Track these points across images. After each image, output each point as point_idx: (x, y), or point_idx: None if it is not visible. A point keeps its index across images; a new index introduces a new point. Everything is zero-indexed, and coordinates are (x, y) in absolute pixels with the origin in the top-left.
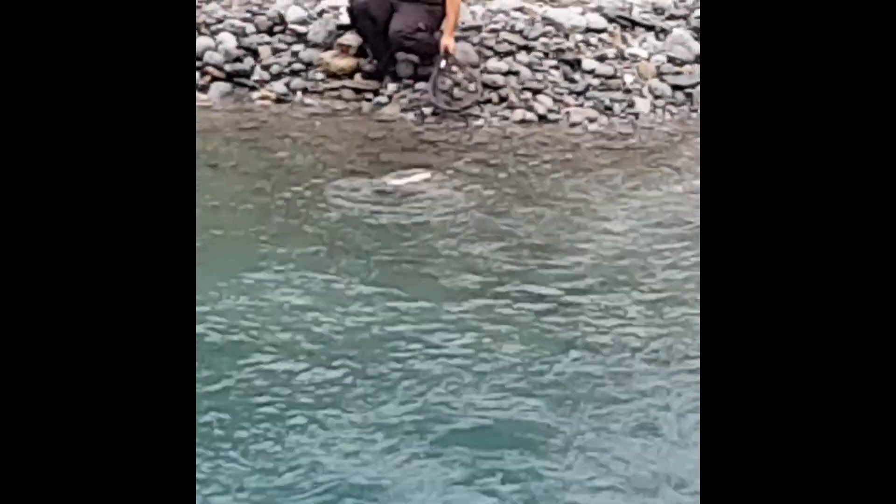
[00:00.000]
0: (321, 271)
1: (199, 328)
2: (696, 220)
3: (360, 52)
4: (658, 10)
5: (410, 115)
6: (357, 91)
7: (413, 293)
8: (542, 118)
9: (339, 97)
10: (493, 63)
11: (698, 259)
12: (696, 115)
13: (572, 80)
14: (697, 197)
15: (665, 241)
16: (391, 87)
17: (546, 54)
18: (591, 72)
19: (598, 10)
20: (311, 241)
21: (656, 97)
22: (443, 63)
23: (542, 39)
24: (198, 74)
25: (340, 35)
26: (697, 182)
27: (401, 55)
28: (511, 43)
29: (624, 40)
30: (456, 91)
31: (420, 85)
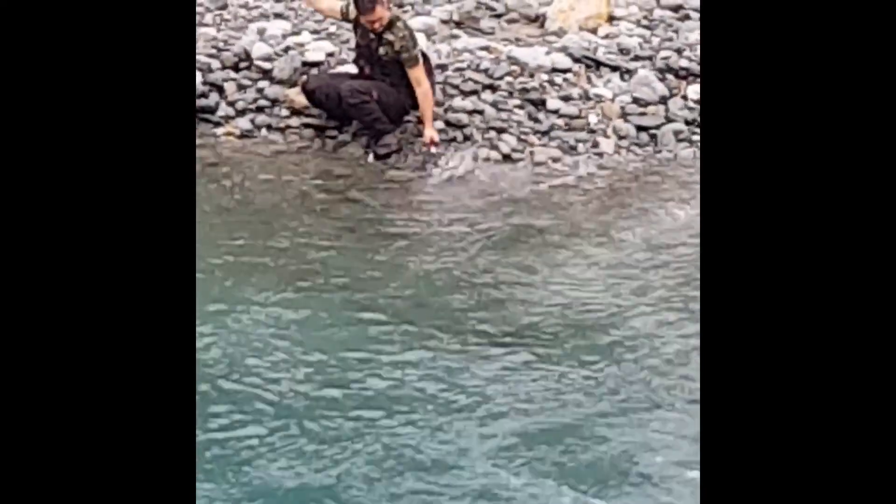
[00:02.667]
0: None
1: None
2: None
3: None
4: (623, 51)
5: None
6: (321, 129)
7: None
8: (507, 157)
9: (302, 135)
10: (457, 102)
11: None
12: (660, 156)
13: (537, 120)
14: (659, 239)
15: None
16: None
17: (511, 93)
18: (556, 111)
19: (564, 49)
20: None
21: (621, 137)
22: (433, 149)
23: (507, 79)
24: None
25: (306, 72)
26: (658, 224)
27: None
28: (476, 82)
29: (589, 80)
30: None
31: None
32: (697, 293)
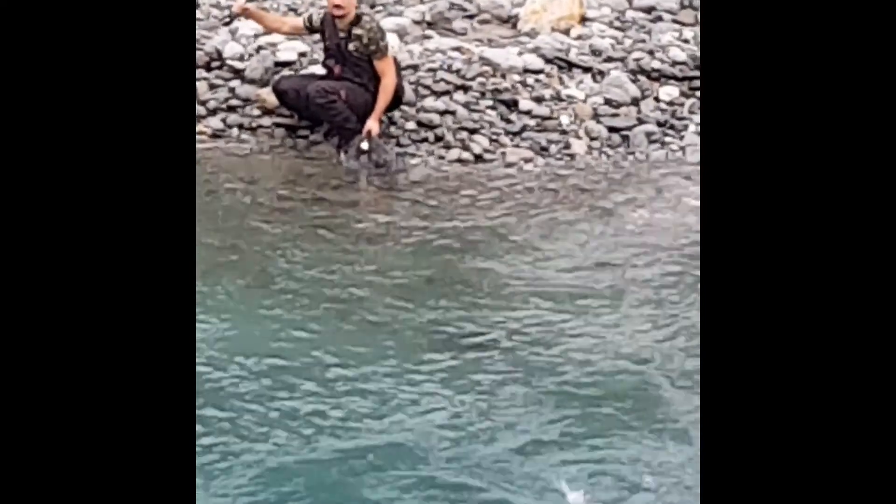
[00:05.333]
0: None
1: None
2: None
3: None
4: (595, 52)
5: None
6: (292, 128)
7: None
8: (479, 158)
9: (274, 134)
10: (429, 102)
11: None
12: (631, 158)
13: (509, 121)
14: (627, 238)
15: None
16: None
17: (483, 94)
18: (528, 112)
19: (536, 50)
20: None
21: (592, 139)
22: (364, 144)
23: (479, 79)
24: None
25: (278, 72)
26: (628, 223)
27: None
28: (448, 82)
29: (561, 81)
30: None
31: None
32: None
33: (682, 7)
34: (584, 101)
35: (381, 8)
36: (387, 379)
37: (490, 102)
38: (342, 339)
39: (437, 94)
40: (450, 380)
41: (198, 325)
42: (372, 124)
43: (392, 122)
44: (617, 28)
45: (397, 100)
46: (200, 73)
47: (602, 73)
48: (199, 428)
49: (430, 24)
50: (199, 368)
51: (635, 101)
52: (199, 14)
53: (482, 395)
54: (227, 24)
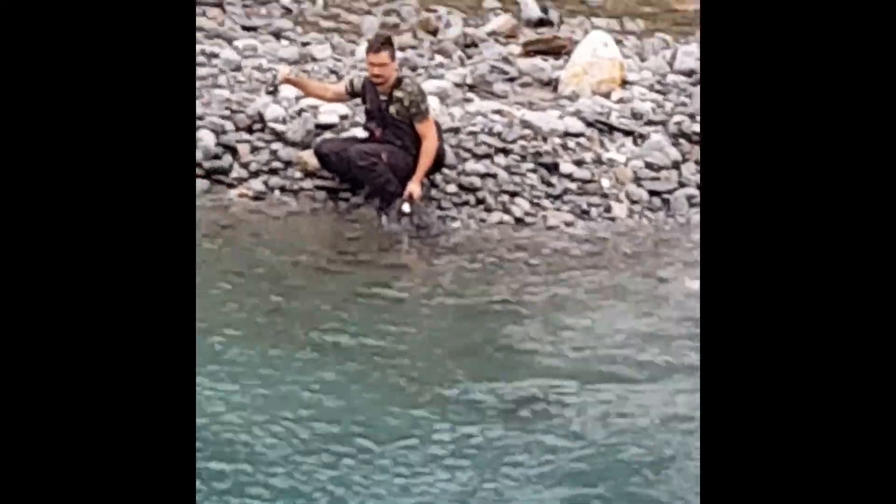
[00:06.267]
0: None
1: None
2: (673, 326)
3: None
4: (636, 116)
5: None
6: (334, 191)
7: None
8: (519, 221)
9: (315, 197)
10: (470, 165)
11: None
12: (672, 221)
13: (550, 184)
14: (677, 301)
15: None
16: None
17: (524, 157)
18: (569, 175)
19: (577, 114)
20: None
21: (633, 202)
22: (405, 207)
23: (521, 142)
24: None
25: (319, 134)
26: (676, 288)
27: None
28: (489, 145)
29: (602, 145)
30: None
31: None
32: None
33: None
34: (625, 165)
35: (421, 71)
36: (418, 447)
37: (531, 165)
38: (376, 405)
39: (478, 157)
40: (484, 450)
41: (231, 386)
42: (413, 187)
43: (433, 185)
44: (658, 91)
45: (438, 163)
46: (242, 135)
47: (643, 137)
48: (224, 485)
49: (471, 87)
50: (230, 431)
51: (676, 165)
52: (240, 77)
53: (520, 466)
54: (270, 92)
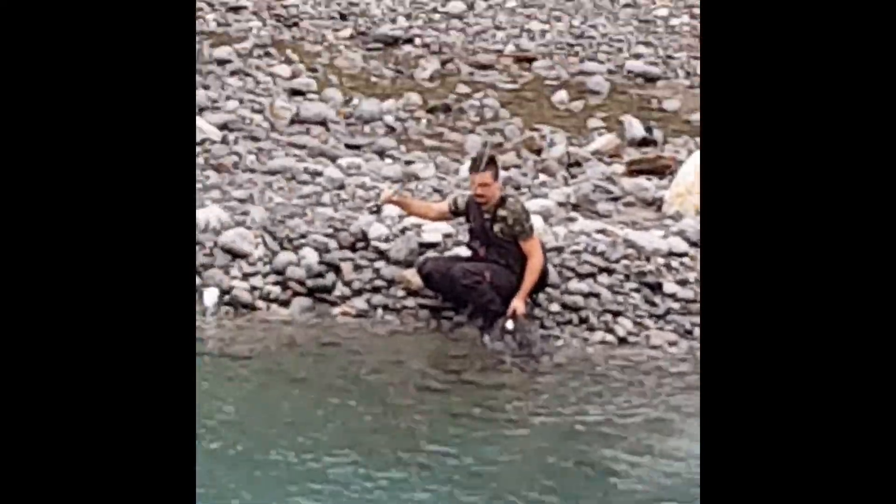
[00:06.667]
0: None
1: None
2: None
3: None
4: None
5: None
6: (436, 310)
7: None
8: (622, 340)
9: (418, 315)
10: (573, 284)
11: None
12: None
13: (653, 304)
14: None
15: None
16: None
17: (627, 277)
18: (672, 295)
19: (680, 233)
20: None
21: None
22: (508, 324)
23: (624, 262)
24: (279, 289)
25: (422, 253)
26: None
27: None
28: (592, 265)
29: None
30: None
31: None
32: None
33: None
34: None
35: (525, 190)
36: None
37: (634, 285)
38: None
39: (582, 277)
40: None
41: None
42: (518, 303)
43: (536, 304)
44: None
45: (542, 282)
46: (345, 253)
47: None
48: None
49: (574, 207)
50: None
51: None
52: (344, 195)
53: None
54: (374, 212)
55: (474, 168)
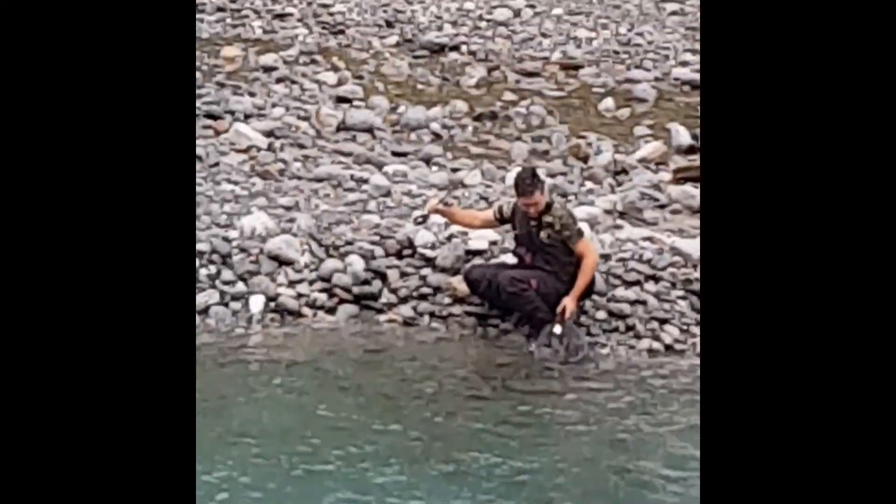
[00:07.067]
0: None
1: None
2: None
3: None
4: None
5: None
6: (483, 317)
7: None
8: (669, 348)
9: (464, 323)
10: (620, 292)
11: None
12: None
13: (700, 311)
14: None
15: None
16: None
17: (673, 284)
18: None
19: None
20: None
21: None
22: (556, 329)
23: (670, 269)
24: (325, 296)
25: (469, 260)
26: None
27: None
28: (639, 272)
29: None
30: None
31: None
32: None
33: None
34: None
35: (572, 197)
36: None
37: (681, 292)
38: None
39: (628, 284)
40: None
41: None
42: (569, 301)
43: (583, 311)
44: None
45: (589, 289)
46: (392, 260)
47: None
48: None
49: (621, 214)
50: None
51: None
52: (390, 202)
53: None
54: (420, 223)
55: (521, 193)
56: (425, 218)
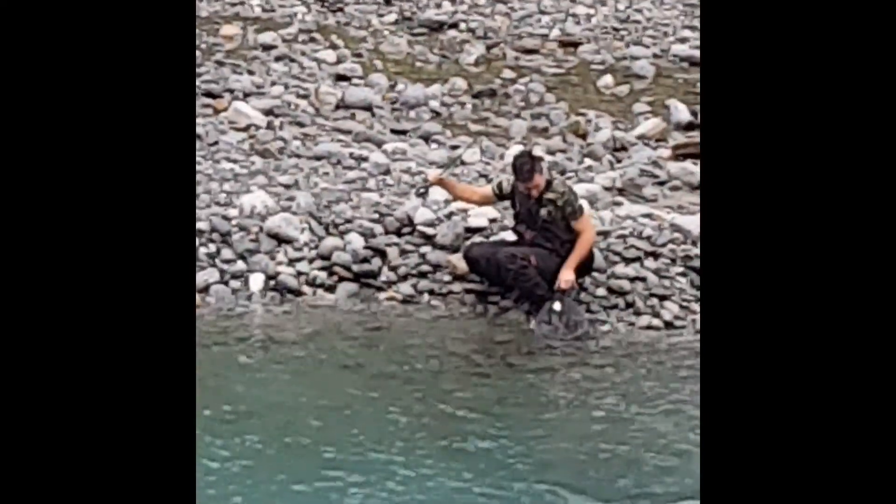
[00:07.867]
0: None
1: None
2: None
3: None
4: None
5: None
6: (483, 294)
7: None
8: (669, 325)
9: (464, 300)
10: (620, 269)
11: None
12: None
13: (699, 288)
14: None
15: None
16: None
17: (673, 261)
18: None
19: None
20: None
21: None
22: (556, 305)
23: (670, 246)
24: (325, 274)
25: (468, 238)
26: None
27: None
28: (638, 249)
29: None
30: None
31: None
32: None
33: None
34: None
35: (571, 175)
36: None
37: (680, 269)
38: None
39: (628, 261)
40: None
41: (375, 491)
42: (565, 272)
43: (583, 288)
44: None
45: (588, 266)
46: (391, 238)
47: None
48: None
49: (620, 191)
50: None
51: None
52: (389, 180)
53: None
54: (421, 195)
55: (520, 178)
56: (427, 189)
